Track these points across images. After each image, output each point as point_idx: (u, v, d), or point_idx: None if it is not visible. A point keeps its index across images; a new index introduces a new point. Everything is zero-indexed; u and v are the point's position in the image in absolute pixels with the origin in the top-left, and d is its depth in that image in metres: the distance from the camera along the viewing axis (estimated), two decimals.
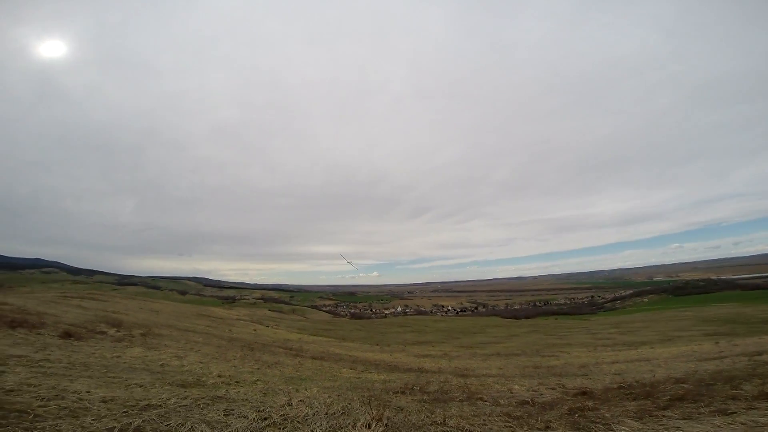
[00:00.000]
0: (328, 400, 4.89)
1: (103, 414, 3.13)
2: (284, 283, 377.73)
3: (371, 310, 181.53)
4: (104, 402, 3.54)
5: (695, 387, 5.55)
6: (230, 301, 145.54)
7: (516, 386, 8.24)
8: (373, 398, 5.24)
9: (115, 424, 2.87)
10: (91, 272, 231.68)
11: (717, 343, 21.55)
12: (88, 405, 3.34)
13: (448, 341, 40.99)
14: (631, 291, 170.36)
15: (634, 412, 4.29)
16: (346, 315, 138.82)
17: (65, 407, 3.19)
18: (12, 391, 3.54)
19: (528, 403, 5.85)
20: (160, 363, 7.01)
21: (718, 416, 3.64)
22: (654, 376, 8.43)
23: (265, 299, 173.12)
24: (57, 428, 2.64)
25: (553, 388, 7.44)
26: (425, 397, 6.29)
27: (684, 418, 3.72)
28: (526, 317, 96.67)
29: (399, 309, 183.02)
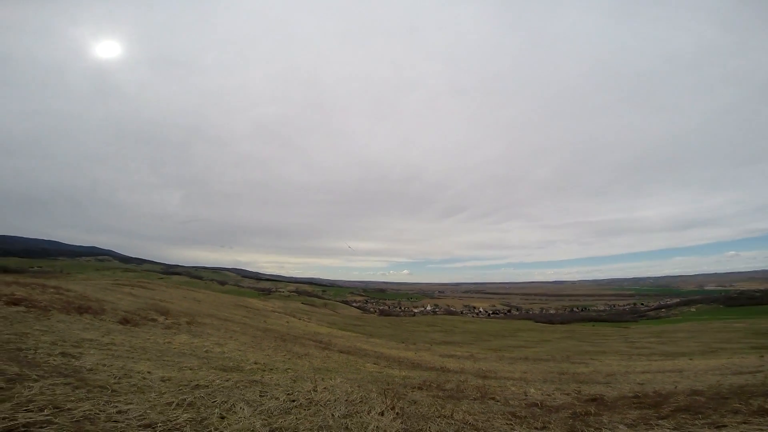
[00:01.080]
0: (349, 389, 5.45)
1: (163, 391, 3.93)
2: (317, 277, 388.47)
3: (400, 308, 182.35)
4: (163, 381, 4.38)
5: (708, 400, 5.58)
6: (266, 293, 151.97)
7: (532, 389, 8.46)
8: (389, 391, 5.72)
9: (173, 399, 3.62)
10: (140, 261, 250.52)
11: (762, 356, 20.12)
12: (150, 383, 4.18)
13: (477, 343, 40.72)
14: (677, 300, 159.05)
15: (632, 420, 4.50)
16: (375, 311, 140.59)
17: (134, 384, 4.02)
18: (91, 370, 4.44)
19: (537, 405, 6.13)
20: (204, 349, 8.01)
21: (708, 428, 3.79)
22: (676, 387, 8.33)
23: (298, 292, 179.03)
24: (130, 401, 3.38)
25: (567, 394, 7.59)
26: (440, 394, 6.71)
27: (674, 429, 3.91)
28: (562, 322, 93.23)
29: (428, 308, 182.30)
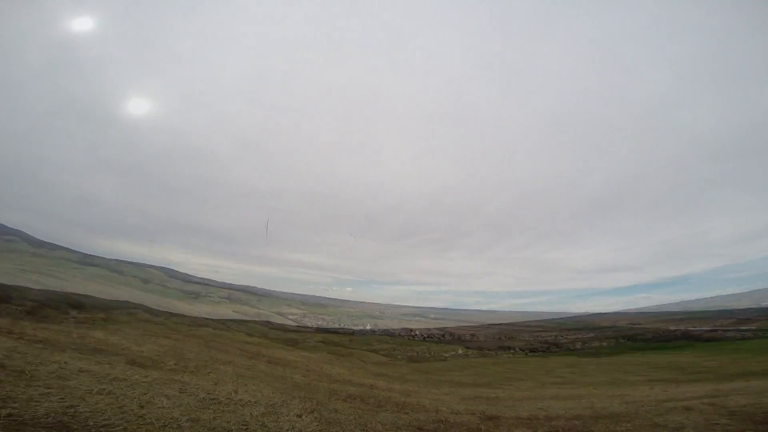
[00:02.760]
0: (271, 394, 5.75)
1: (82, 380, 3.91)
2: (254, 285, 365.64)
3: (339, 325, 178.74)
4: (80, 372, 4.32)
5: (581, 423, 6.65)
6: (193, 297, 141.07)
7: (444, 408, 9.29)
8: (313, 399, 6.19)
9: (93, 388, 3.67)
10: (54, 246, 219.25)
11: (652, 388, 23.10)
12: (68, 373, 4.11)
13: (409, 364, 41.66)
14: (592, 334, 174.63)
15: None
16: (312, 329, 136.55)
17: (52, 372, 3.96)
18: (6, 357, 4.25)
19: (442, 421, 6.92)
20: (121, 347, 7.68)
21: None
22: (565, 412, 9.63)
23: (230, 299, 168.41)
24: (48, 386, 3.41)
25: (473, 413, 8.48)
26: (362, 406, 7.26)
27: None
28: (489, 349, 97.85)
29: (368, 327, 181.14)
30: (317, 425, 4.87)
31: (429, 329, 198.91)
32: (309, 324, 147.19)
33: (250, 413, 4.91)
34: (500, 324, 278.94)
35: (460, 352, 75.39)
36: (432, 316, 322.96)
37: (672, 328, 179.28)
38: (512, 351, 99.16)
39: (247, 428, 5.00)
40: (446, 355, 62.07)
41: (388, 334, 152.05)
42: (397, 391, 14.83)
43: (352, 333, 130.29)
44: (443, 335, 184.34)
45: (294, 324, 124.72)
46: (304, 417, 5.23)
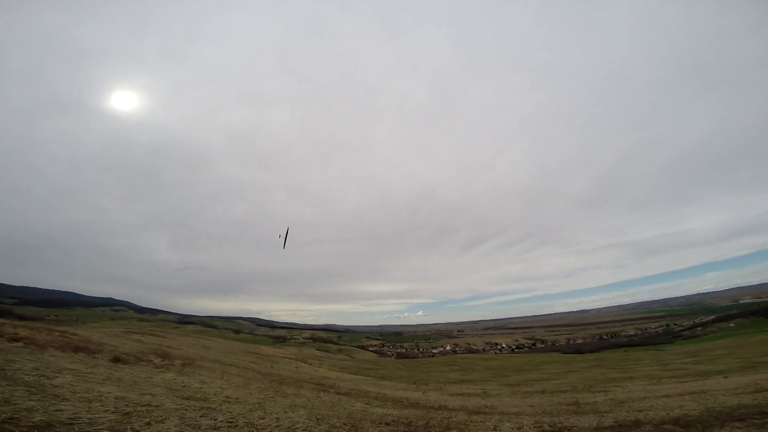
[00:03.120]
0: (302, 421, 5.54)
1: (109, 404, 4.11)
2: (333, 323, 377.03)
3: (418, 350, 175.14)
4: (116, 398, 4.54)
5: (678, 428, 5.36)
6: (280, 341, 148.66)
7: (508, 424, 8.22)
8: (348, 425, 5.90)
9: (114, 409, 3.82)
10: (155, 311, 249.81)
11: None
12: (102, 398, 4.36)
13: (495, 379, 38.56)
14: (713, 316, 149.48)
15: None
16: (392, 354, 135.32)
17: (85, 397, 4.20)
18: (57, 386, 4.63)
19: None
20: (182, 384, 8.04)
21: None
22: (668, 414, 8.04)
23: (314, 339, 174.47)
24: (71, 404, 3.61)
25: (540, 427, 7.41)
26: (403, 429, 6.75)
27: None
28: (590, 351, 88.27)
29: (448, 348, 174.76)
30: None
31: (517, 341, 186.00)
32: (388, 353, 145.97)
33: None
34: (596, 323, 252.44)
35: (554, 358, 68.51)
36: (515, 326, 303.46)
37: None
38: (619, 348, 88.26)
39: None
40: (534, 365, 56.92)
41: (470, 351, 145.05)
42: (467, 410, 13.69)
43: (432, 355, 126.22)
44: (533, 344, 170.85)
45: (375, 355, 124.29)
46: None
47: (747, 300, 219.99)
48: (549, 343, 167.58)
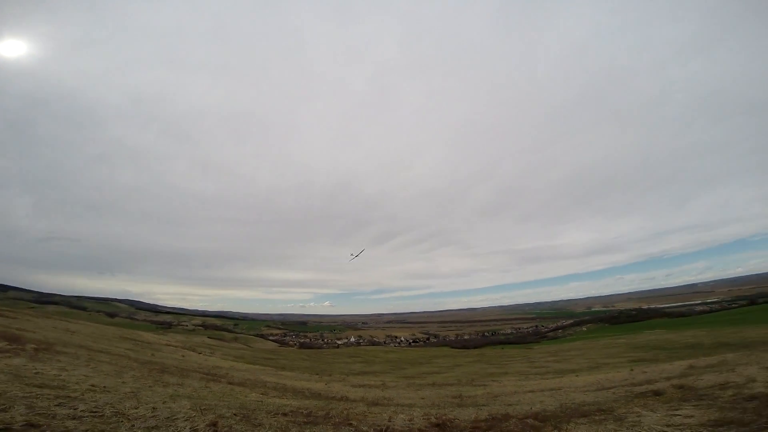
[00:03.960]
0: (182, 410, 4.98)
1: None
2: (229, 310, 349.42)
3: (323, 340, 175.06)
4: None
5: (535, 421, 6.15)
6: (166, 327, 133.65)
7: (402, 415, 8.79)
8: (238, 415, 5.51)
9: None
10: (4, 287, 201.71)
11: (632, 370, 23.29)
12: None
13: (394, 371, 40.48)
14: (571, 321, 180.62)
15: None
16: (295, 345, 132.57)
17: None
18: None
19: (383, 430, 6.43)
20: (34, 371, 6.54)
21: None
22: (531, 408, 9.59)
23: (205, 326, 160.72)
24: None
25: (428, 418, 8.12)
26: (301, 420, 6.73)
27: None
28: (475, 347, 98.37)
29: (352, 339, 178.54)
30: None
31: (414, 335, 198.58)
32: (290, 343, 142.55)
33: None
34: (481, 320, 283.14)
35: (444, 353, 74.91)
36: (413, 321, 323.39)
37: (645, 307, 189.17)
38: (498, 345, 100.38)
39: None
40: (427, 358, 61.43)
41: (373, 343, 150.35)
42: (366, 401, 14.02)
43: (337, 347, 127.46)
44: (427, 338, 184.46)
45: (275, 344, 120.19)
46: None
47: (598, 308, 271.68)
48: (441, 338, 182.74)
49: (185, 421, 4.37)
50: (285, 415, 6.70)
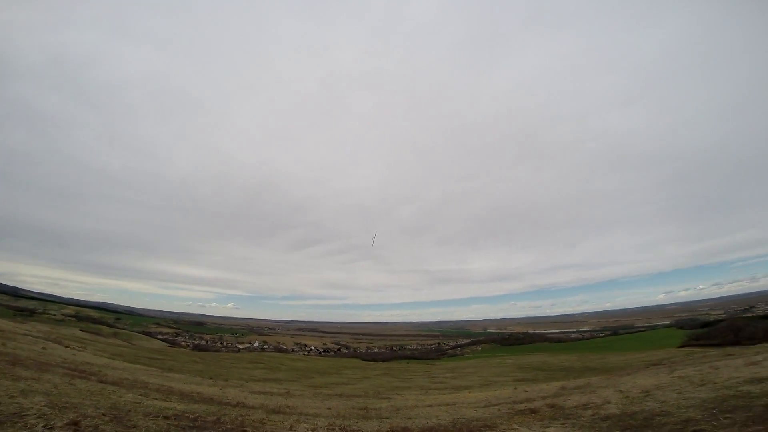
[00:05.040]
0: (38, 407, 4.23)
1: None
2: (111, 302, 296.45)
3: (222, 343, 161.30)
4: None
5: None
6: (27, 314, 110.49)
7: (303, 425, 8.53)
8: (109, 416, 4.83)
9: None
10: None
11: (515, 388, 25.83)
12: None
13: (300, 380, 38.85)
14: (469, 340, 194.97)
15: None
16: (188, 345, 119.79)
17: None
18: None
19: None
20: None
21: None
22: (428, 422, 10.39)
23: (79, 317, 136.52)
24: None
25: (332, 428, 8.15)
26: (187, 424, 6.22)
27: None
28: (383, 360, 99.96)
29: (256, 344, 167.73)
30: None
31: (325, 344, 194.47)
32: (183, 344, 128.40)
33: None
34: (391, 335, 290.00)
35: (354, 364, 74.61)
36: (326, 330, 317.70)
37: (531, 331, 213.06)
38: (403, 360, 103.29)
39: None
40: (336, 369, 60.66)
41: (279, 350, 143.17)
42: (266, 409, 13.32)
43: (237, 351, 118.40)
44: (339, 349, 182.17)
45: (164, 344, 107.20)
46: None
47: (492, 330, 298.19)
48: (352, 350, 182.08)
49: (38, 418, 3.76)
50: (167, 418, 6.02)
